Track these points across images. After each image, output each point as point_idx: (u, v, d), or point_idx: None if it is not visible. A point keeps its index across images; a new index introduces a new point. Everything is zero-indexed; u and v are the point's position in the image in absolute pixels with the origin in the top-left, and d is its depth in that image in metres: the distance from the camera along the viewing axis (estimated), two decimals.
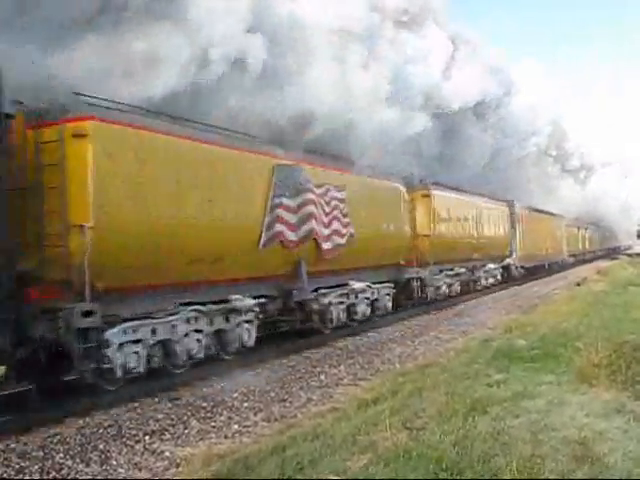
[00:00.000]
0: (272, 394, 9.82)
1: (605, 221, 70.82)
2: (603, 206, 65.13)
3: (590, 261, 59.98)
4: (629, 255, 63.93)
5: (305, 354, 13.10)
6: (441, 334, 15.67)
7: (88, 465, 6.89)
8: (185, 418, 8.60)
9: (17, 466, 6.85)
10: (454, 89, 26.87)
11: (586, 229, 62.35)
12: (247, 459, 6.23)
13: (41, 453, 7.24)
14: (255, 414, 8.73)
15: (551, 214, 43.17)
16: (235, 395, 9.76)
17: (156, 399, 9.60)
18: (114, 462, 6.96)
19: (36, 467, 6.83)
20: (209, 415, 8.75)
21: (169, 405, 9.29)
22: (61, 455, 7.17)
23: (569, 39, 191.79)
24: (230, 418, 8.58)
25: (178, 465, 6.76)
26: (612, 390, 8.08)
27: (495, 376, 9.41)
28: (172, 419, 8.57)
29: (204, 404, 9.29)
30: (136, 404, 9.30)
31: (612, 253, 74.60)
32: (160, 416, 8.72)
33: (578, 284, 28.59)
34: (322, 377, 10.97)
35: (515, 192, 34.19)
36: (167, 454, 7.16)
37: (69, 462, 6.98)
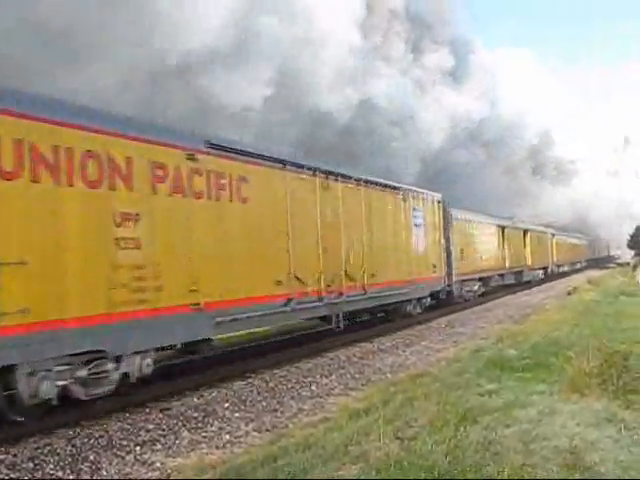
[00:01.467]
0: (263, 404, 9.80)
1: (592, 228, 69.82)
2: (593, 212, 64.13)
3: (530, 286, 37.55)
4: (620, 264, 63.64)
5: (296, 364, 13.07)
6: (432, 344, 15.67)
7: (79, 475, 6.84)
8: (176, 428, 8.56)
9: (7, 477, 6.80)
10: (432, 120, 27.58)
11: (527, 231, 39.66)
12: (238, 469, 6.22)
13: (31, 464, 7.17)
14: (246, 424, 8.69)
15: (379, 185, 17.88)
16: (226, 405, 9.73)
17: (147, 409, 9.56)
18: (105, 473, 6.91)
19: (26, 479, 6.78)
20: (200, 425, 8.71)
21: (160, 415, 9.25)
22: (51, 466, 7.12)
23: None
24: (221, 428, 8.55)
25: (169, 476, 6.72)
26: (603, 399, 8.11)
27: (486, 386, 9.43)
28: (163, 429, 8.53)
29: (195, 414, 9.26)
30: (127, 414, 9.27)
31: (601, 264, 72.36)
32: (151, 426, 8.68)
33: (569, 293, 28.70)
34: (313, 387, 10.94)
35: (493, 203, 33.09)
36: (158, 465, 7.12)
37: (59, 473, 6.93)
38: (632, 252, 67.58)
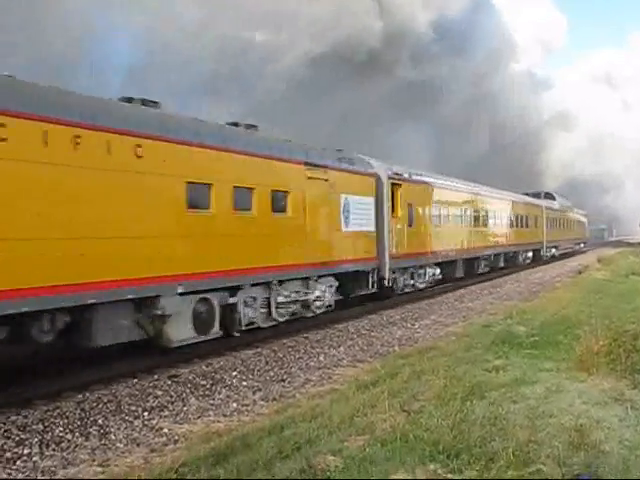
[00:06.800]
0: (271, 373, 9.86)
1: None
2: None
3: None
4: (630, 244, 62.95)
5: (305, 334, 13.13)
6: (441, 318, 15.69)
7: (87, 439, 6.93)
8: (184, 395, 8.65)
9: (17, 438, 6.90)
10: None
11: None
12: (245, 437, 6.27)
13: (41, 426, 7.28)
14: (254, 393, 8.77)
15: None
16: (234, 373, 9.80)
17: (155, 376, 9.64)
18: (113, 437, 7.00)
19: (36, 440, 6.87)
20: (208, 393, 8.80)
21: (168, 382, 9.33)
22: (60, 429, 7.22)
23: None
24: (229, 396, 8.62)
25: (176, 441, 6.80)
26: (611, 378, 8.11)
27: (494, 361, 9.44)
28: (171, 396, 8.62)
29: (203, 382, 9.34)
30: (135, 380, 9.35)
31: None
32: (159, 392, 8.77)
33: (580, 272, 28.58)
34: (321, 358, 11.00)
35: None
36: (165, 430, 7.20)
37: (69, 435, 7.02)
38: None
